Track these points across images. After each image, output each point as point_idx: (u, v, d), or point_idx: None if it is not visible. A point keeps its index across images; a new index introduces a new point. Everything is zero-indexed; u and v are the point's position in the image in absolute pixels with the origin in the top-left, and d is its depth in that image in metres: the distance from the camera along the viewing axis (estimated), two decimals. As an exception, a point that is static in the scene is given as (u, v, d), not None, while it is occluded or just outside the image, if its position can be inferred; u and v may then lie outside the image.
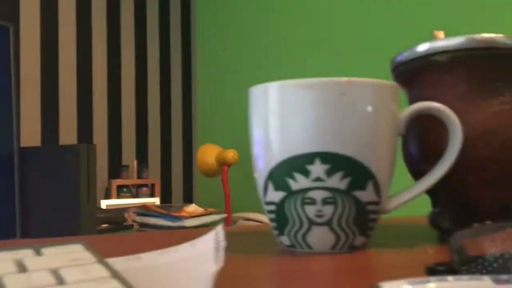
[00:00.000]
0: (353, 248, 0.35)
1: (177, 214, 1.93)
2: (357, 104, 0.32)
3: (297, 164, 0.33)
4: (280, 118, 0.34)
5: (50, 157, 1.55)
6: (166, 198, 2.99)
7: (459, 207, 0.38)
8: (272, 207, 0.35)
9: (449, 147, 0.35)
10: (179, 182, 3.08)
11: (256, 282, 0.28)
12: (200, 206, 2.22)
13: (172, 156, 3.06)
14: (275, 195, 0.34)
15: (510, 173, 0.36)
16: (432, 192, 0.38)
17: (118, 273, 0.23)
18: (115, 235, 0.45)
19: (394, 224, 0.44)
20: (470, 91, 0.37)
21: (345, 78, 0.32)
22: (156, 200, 2.64)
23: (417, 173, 0.39)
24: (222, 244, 0.29)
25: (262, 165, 0.35)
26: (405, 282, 0.20)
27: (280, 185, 0.34)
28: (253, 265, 0.32)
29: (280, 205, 0.34)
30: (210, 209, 2.13)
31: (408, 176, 0.42)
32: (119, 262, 0.32)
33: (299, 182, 0.33)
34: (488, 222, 0.27)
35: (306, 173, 0.33)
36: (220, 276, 0.29)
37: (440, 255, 0.33)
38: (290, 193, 0.34)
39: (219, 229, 0.32)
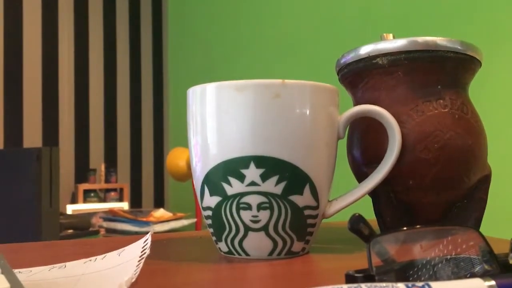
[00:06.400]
0: (292, 254, 0.34)
1: (144, 219, 1.90)
2: (292, 107, 0.32)
3: (232, 168, 0.32)
4: (216, 120, 0.33)
5: (11, 160, 1.50)
6: (136, 202, 2.93)
7: (401, 210, 0.38)
8: (209, 213, 0.34)
9: (388, 151, 0.35)
10: (150, 187, 3.03)
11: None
12: (171, 211, 2.19)
13: (143, 160, 3.01)
14: (211, 200, 0.33)
15: (450, 175, 0.36)
16: (374, 195, 0.38)
17: (20, 284, 0.22)
18: (52, 242, 0.43)
19: (338, 228, 0.43)
20: (410, 94, 0.36)
21: (280, 80, 0.32)
22: (125, 205, 2.58)
23: (360, 176, 0.39)
24: (146, 253, 0.28)
25: (199, 169, 0.34)
26: (316, 291, 0.19)
27: (216, 189, 0.33)
28: (188, 272, 0.31)
29: (216, 210, 0.33)
30: (179, 214, 2.09)
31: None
32: (41, 271, 0.30)
33: (234, 186, 0.32)
34: (417, 226, 0.26)
35: (241, 177, 0.32)
36: (154, 283, 0.28)
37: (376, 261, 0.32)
38: (226, 198, 0.32)
39: (148, 238, 0.31)
